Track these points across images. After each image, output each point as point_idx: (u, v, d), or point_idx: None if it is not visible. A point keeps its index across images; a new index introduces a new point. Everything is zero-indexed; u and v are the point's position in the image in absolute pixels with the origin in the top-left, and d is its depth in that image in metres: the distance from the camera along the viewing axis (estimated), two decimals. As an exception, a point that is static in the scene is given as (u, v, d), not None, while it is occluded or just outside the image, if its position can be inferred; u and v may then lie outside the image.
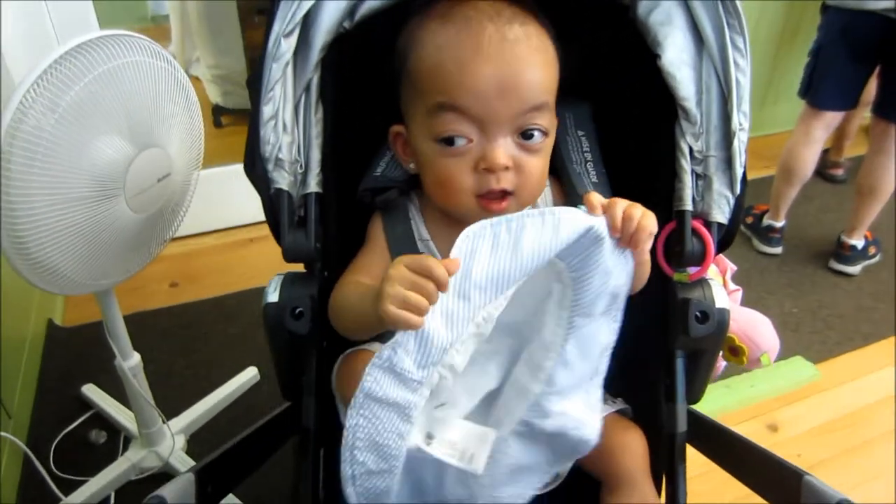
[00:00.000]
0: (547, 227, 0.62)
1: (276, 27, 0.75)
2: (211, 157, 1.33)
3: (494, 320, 0.65)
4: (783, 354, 1.75)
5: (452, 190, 0.73)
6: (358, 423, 0.62)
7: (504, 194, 0.73)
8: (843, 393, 1.75)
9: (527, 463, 0.74)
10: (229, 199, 2.22)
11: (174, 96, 1.10)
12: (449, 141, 0.71)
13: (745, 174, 0.77)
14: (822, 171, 2.85)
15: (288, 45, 0.75)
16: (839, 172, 2.90)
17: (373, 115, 0.82)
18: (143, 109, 1.02)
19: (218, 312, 1.91)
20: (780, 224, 2.32)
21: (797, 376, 1.79)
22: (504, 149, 0.70)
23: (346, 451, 0.63)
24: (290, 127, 0.78)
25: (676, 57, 0.74)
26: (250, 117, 0.78)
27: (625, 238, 0.65)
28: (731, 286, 1.07)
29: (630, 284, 0.69)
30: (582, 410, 0.72)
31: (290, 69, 0.76)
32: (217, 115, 2.83)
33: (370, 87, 0.82)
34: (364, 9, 0.77)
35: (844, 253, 2.24)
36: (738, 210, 0.77)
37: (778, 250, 2.29)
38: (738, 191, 0.76)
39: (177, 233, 1.27)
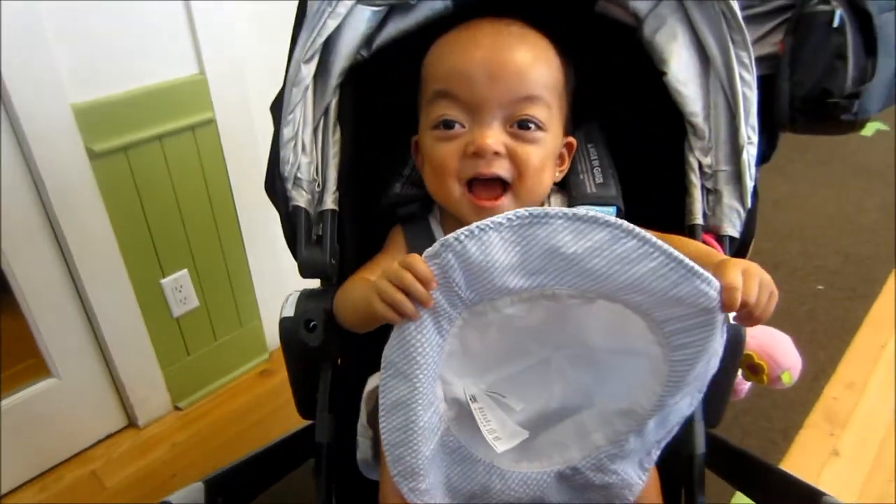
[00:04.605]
0: (670, 273, 0.58)
1: (297, 54, 0.79)
2: None
3: (561, 301, 0.63)
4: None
5: (443, 175, 0.75)
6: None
7: (500, 187, 0.74)
8: None
9: (551, 499, 0.73)
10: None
11: None
12: (442, 125, 0.74)
13: (755, 187, 0.77)
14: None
15: (308, 71, 0.79)
16: None
17: (388, 137, 0.84)
18: None
19: None
20: None
21: None
22: (494, 134, 0.72)
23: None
24: (308, 148, 0.81)
25: (682, 74, 0.77)
26: (272, 139, 0.80)
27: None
28: None
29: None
30: (636, 472, 0.72)
31: (309, 93, 0.80)
32: None
33: (386, 110, 0.85)
34: (381, 38, 0.82)
35: None
36: (750, 223, 0.77)
37: None
38: (748, 204, 0.77)
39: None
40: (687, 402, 0.69)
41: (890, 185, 2.82)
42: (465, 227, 0.59)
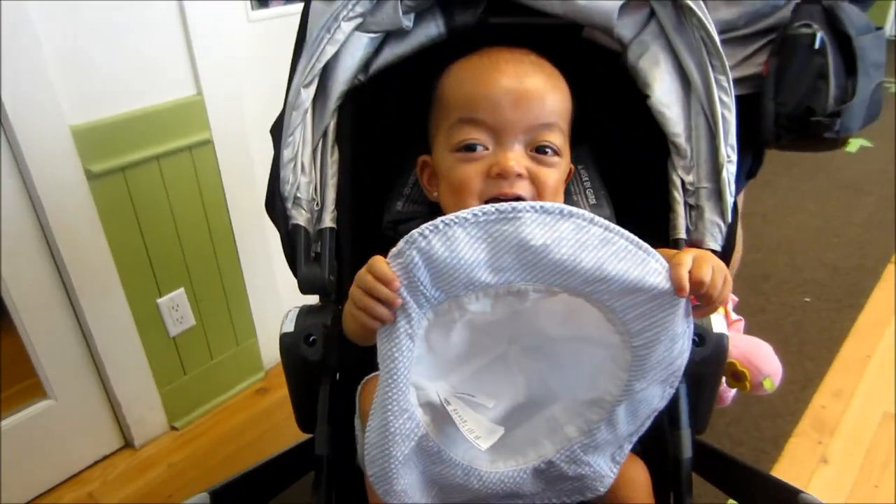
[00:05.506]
0: (629, 256, 0.63)
1: (297, 79, 0.83)
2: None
3: (526, 298, 0.65)
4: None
5: (463, 194, 0.77)
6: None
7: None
8: None
9: (524, 493, 0.75)
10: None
11: None
12: (466, 148, 0.77)
13: (735, 203, 0.80)
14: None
15: (307, 95, 0.83)
16: None
17: (387, 157, 0.87)
18: None
19: None
20: None
21: None
22: (517, 157, 0.76)
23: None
24: (307, 168, 0.84)
25: (665, 97, 0.80)
26: (272, 160, 0.83)
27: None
28: (734, 316, 1.10)
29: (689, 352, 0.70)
30: (607, 464, 0.74)
31: (308, 116, 0.84)
32: None
33: (384, 131, 0.88)
34: (378, 63, 0.86)
35: None
36: (731, 237, 0.81)
37: None
38: (729, 219, 0.81)
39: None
40: (658, 394, 0.71)
41: (874, 198, 2.88)
42: (430, 223, 0.61)
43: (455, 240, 0.61)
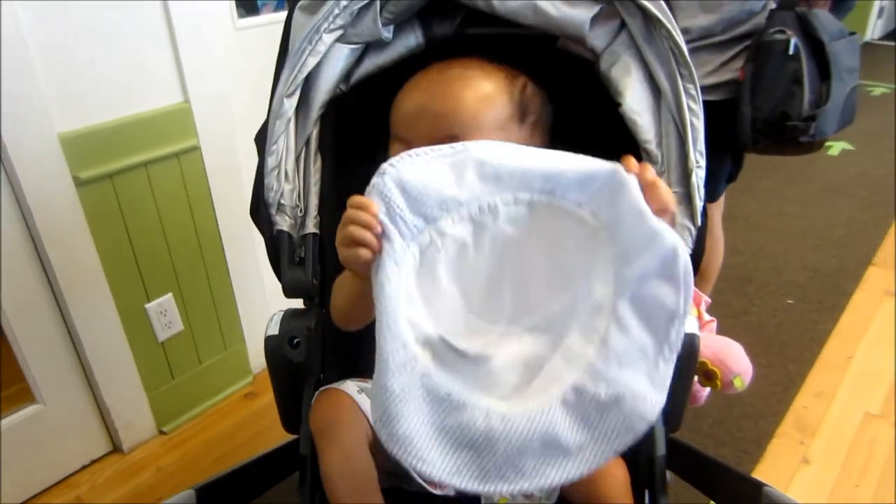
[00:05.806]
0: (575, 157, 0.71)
1: (280, 89, 0.85)
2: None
3: (499, 215, 0.71)
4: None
5: None
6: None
7: None
8: None
9: (566, 441, 0.65)
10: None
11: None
12: None
13: (704, 207, 0.83)
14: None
15: (290, 104, 0.85)
16: None
17: (368, 165, 0.89)
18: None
19: None
20: None
21: None
22: None
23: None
24: (291, 176, 0.87)
25: (636, 105, 0.83)
26: (257, 167, 0.85)
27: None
28: (706, 317, 1.13)
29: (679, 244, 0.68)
30: (644, 383, 0.65)
31: (292, 125, 0.86)
32: None
33: (364, 139, 0.90)
34: (359, 73, 0.89)
35: None
36: (700, 241, 0.83)
37: None
38: (699, 222, 0.83)
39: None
40: (668, 293, 0.66)
41: (855, 201, 2.93)
42: (396, 156, 0.69)
43: (420, 166, 0.69)
